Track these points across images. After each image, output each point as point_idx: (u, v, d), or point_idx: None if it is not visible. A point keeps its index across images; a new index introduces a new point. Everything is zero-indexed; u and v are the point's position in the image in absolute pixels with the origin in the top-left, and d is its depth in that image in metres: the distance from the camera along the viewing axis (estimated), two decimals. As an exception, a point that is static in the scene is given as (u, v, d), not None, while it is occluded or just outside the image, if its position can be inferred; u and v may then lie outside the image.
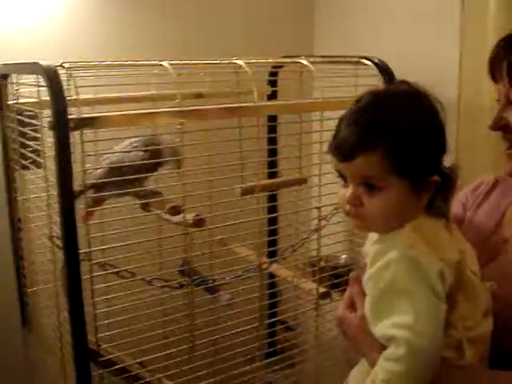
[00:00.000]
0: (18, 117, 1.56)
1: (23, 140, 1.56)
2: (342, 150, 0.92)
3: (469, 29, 1.78)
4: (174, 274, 1.64)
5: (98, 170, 1.54)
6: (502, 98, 1.06)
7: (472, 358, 0.93)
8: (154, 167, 1.58)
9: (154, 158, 1.53)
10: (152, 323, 1.50)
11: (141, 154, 1.57)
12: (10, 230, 1.73)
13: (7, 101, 1.62)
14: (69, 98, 1.30)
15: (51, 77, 1.27)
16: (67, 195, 1.30)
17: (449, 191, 0.97)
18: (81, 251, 1.34)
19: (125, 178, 1.47)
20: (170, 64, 1.45)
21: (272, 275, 1.88)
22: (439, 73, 1.85)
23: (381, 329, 0.91)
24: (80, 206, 1.37)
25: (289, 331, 1.91)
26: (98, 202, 1.54)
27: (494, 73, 1.07)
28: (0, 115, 1.65)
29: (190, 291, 1.56)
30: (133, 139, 1.58)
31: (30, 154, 1.55)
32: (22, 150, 1.58)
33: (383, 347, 0.91)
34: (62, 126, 1.26)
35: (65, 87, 1.30)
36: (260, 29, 2.21)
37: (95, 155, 1.37)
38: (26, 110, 1.52)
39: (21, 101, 1.57)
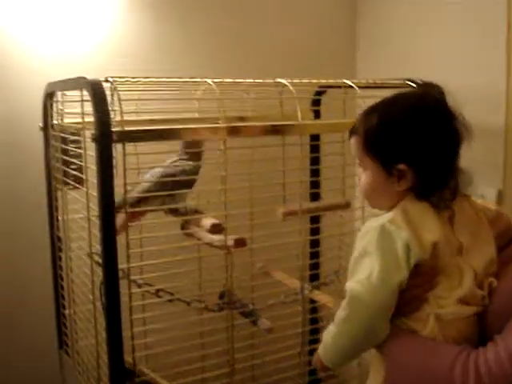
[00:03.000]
0: (62, 134, 1.56)
1: (67, 158, 1.56)
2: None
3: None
4: (214, 296, 1.61)
5: (144, 184, 1.52)
6: None
7: (434, 333, 1.00)
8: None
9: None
10: (190, 345, 1.46)
11: (187, 167, 1.56)
12: (50, 249, 1.72)
13: (52, 120, 1.63)
14: (112, 112, 1.30)
15: (95, 89, 1.27)
16: (108, 208, 1.28)
17: (443, 186, 1.05)
18: (120, 267, 1.32)
19: (171, 193, 1.46)
20: (214, 82, 1.44)
21: (314, 302, 1.82)
22: (486, 97, 1.80)
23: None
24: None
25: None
26: (137, 215, 1.52)
27: None
28: (45, 134, 1.66)
29: (230, 314, 1.51)
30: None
31: (73, 172, 1.54)
32: (66, 169, 1.58)
33: None
34: (105, 138, 1.25)
35: (109, 101, 1.31)
36: (302, 55, 2.22)
37: (137, 169, 1.35)
38: (71, 131, 1.52)
39: (66, 120, 1.58)
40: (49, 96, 1.62)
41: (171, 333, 1.42)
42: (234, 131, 1.42)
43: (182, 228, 1.64)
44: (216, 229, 1.44)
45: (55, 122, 1.62)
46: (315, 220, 1.88)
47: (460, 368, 0.90)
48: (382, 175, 1.06)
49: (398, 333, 1.02)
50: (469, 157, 1.11)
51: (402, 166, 1.04)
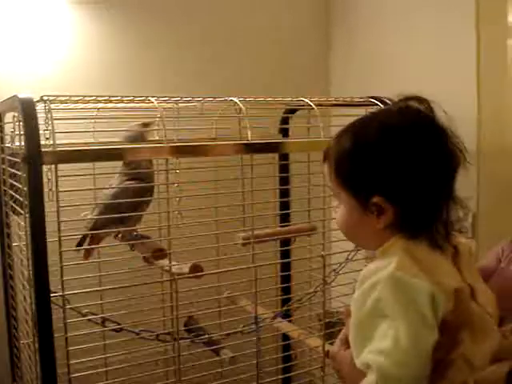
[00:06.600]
0: (10, 157, 1.50)
1: (13, 182, 1.50)
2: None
3: (487, 69, 1.71)
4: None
5: (94, 212, 1.46)
6: None
7: None
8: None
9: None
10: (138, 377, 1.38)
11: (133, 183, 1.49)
12: (2, 278, 1.66)
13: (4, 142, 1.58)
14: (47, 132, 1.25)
15: (25, 107, 1.22)
16: (38, 232, 1.22)
17: (417, 222, 0.86)
18: (54, 295, 1.26)
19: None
20: (157, 100, 1.38)
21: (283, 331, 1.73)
22: (456, 113, 1.74)
23: (361, 356, 0.83)
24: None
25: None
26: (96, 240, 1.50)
27: None
28: (-4, 158, 1.61)
29: (177, 345, 1.42)
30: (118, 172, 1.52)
31: (19, 197, 1.48)
32: (13, 194, 1.52)
33: None
34: (34, 159, 1.20)
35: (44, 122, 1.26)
36: (277, 71, 2.19)
37: (70, 191, 1.28)
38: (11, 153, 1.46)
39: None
40: (-1, 117, 1.57)
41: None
42: (181, 151, 1.36)
43: (146, 261, 1.57)
44: (158, 254, 1.36)
45: (6, 144, 1.57)
46: (285, 245, 1.80)
47: None
48: (357, 210, 0.89)
49: None
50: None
51: (376, 199, 0.86)
